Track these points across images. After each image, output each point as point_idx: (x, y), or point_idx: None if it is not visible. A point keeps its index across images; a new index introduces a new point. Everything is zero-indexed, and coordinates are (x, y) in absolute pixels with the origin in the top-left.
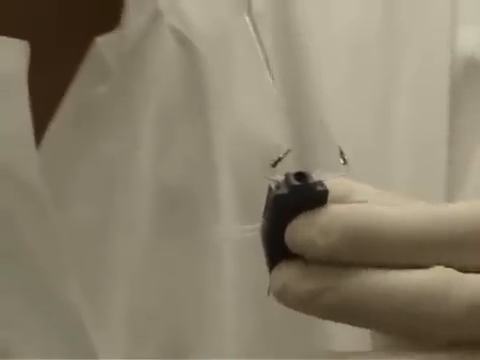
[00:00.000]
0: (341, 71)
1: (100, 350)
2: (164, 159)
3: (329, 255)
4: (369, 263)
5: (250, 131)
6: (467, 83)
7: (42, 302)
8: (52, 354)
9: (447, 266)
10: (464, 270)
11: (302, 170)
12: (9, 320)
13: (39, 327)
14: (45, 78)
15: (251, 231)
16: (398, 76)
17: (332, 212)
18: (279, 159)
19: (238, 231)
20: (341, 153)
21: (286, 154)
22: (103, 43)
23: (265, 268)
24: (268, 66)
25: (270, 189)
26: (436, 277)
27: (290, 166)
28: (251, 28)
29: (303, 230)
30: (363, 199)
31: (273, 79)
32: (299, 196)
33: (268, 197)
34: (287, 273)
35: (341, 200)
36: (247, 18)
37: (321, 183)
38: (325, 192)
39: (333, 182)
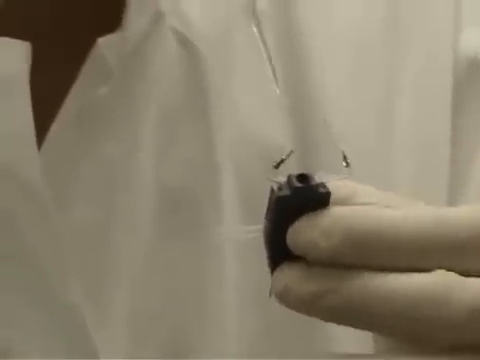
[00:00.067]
0: (343, 71)
1: (102, 350)
2: (166, 160)
3: (331, 257)
4: (371, 266)
5: (252, 131)
6: (470, 83)
7: (43, 302)
8: (53, 354)
9: (449, 270)
10: (466, 274)
11: (304, 172)
12: (10, 320)
13: (40, 327)
14: (47, 79)
15: (253, 232)
16: (401, 76)
17: (334, 214)
18: (282, 160)
19: (240, 232)
20: (344, 157)
21: (289, 156)
22: (105, 44)
23: (267, 269)
24: (273, 71)
25: (272, 191)
26: (438, 281)
27: (292, 166)
28: (256, 32)
29: (305, 232)
30: (366, 201)
31: (277, 82)
32: (301, 198)
33: (270, 199)
34: (289, 275)
35: (343, 202)
36: (255, 29)
37: (323, 185)
38: (327, 194)
39: (335, 184)
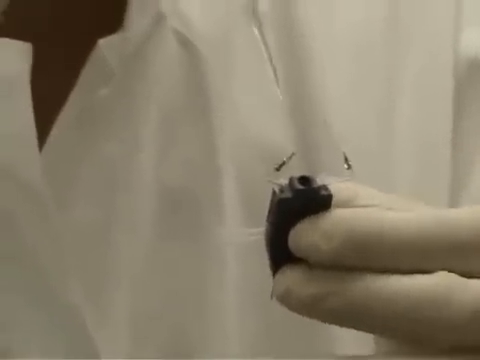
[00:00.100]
0: (344, 71)
1: (102, 350)
2: (166, 161)
3: (332, 259)
4: (372, 268)
5: (253, 133)
6: (471, 84)
7: (44, 303)
8: (53, 354)
9: (450, 271)
10: (467, 275)
11: (306, 174)
12: (11, 320)
13: (40, 327)
14: (48, 80)
15: (255, 235)
16: (401, 76)
17: (336, 216)
18: (283, 163)
19: (242, 234)
20: (345, 159)
21: (290, 158)
22: (105, 45)
23: (268, 270)
24: (274, 72)
25: (274, 193)
26: (439, 282)
27: (294, 167)
28: (257, 34)
29: (307, 234)
30: (368, 203)
31: (278, 83)
32: (303, 200)
33: (272, 201)
34: (291, 277)
35: (345, 204)
36: (256, 30)
37: (325, 187)
38: (329, 196)
39: (337, 186)
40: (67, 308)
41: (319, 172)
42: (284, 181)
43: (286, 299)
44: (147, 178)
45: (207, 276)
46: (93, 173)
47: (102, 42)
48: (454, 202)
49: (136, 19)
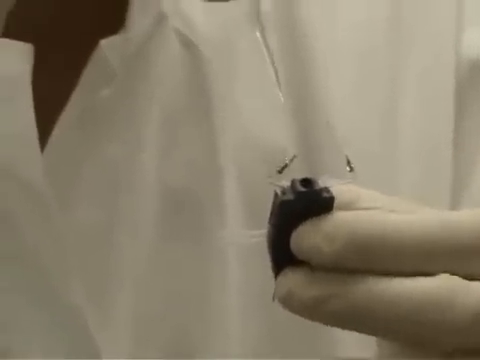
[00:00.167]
0: (347, 72)
1: (104, 351)
2: (168, 162)
3: (334, 262)
4: (375, 270)
5: (255, 134)
6: (473, 85)
7: (45, 303)
8: (55, 355)
9: (452, 274)
10: (469, 278)
11: (308, 176)
12: (12, 320)
13: (42, 328)
14: (49, 81)
15: (257, 237)
16: (404, 77)
17: (338, 219)
18: (285, 165)
19: (244, 236)
20: (348, 161)
21: (292, 160)
22: (107, 46)
23: (270, 272)
24: (276, 76)
25: (276, 195)
26: (442, 285)
27: (296, 169)
28: (260, 38)
29: (309, 237)
30: (370, 206)
31: (280, 87)
32: (305, 202)
33: (274, 203)
34: (293, 279)
35: (347, 207)
36: (258, 34)
37: (327, 190)
38: (331, 199)
39: (339, 188)
40: (69, 308)
41: (321, 173)
42: (286, 183)
43: (288, 301)
44: (149, 179)
45: (209, 277)
46: (95, 174)
47: (104, 42)
48: (456, 202)
49: (138, 19)
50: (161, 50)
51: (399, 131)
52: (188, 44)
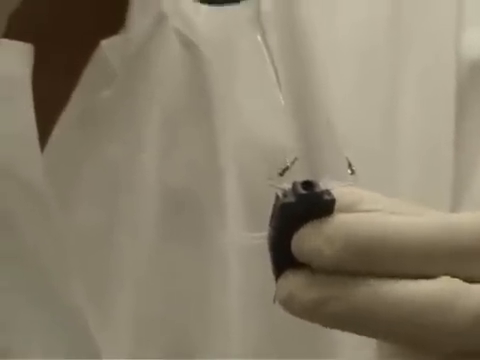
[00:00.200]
0: (347, 71)
1: (104, 352)
2: (169, 162)
3: (335, 264)
4: (375, 272)
5: (255, 134)
6: (473, 85)
7: (45, 303)
8: (55, 354)
9: (453, 276)
10: (470, 280)
11: (309, 179)
12: (12, 320)
13: (42, 328)
14: (49, 81)
15: (258, 239)
16: (404, 77)
17: (339, 221)
18: (287, 168)
19: (245, 238)
20: (349, 164)
21: (293, 163)
22: (108, 46)
23: (271, 272)
24: (277, 78)
25: (277, 197)
26: (443, 287)
27: (296, 168)
28: (261, 41)
29: (309, 239)
30: (371, 208)
31: (280, 88)
32: (306, 205)
33: (275, 205)
34: (293, 281)
35: (348, 209)
36: (259, 37)
37: (328, 192)
38: (332, 201)
39: (341, 191)
40: (69, 308)
41: (322, 173)
42: (287, 185)
43: (289, 304)
44: (149, 179)
45: (209, 278)
46: (95, 174)
47: (104, 43)
48: (456, 203)
49: (138, 20)
50: (161, 50)
51: (399, 131)
52: (188, 44)
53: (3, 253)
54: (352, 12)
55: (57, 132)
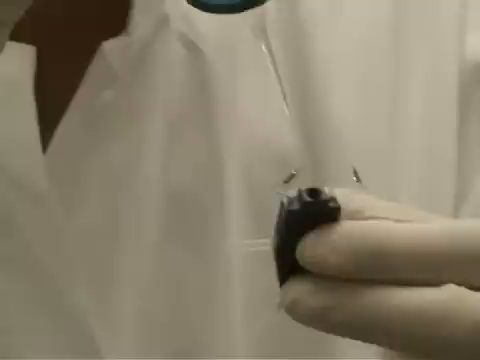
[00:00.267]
0: (351, 72)
1: (106, 352)
2: (171, 164)
3: (340, 272)
4: (380, 280)
5: (258, 136)
6: (476, 89)
7: (46, 304)
8: (55, 354)
9: (459, 284)
10: (476, 288)
11: (315, 186)
12: (14, 322)
13: (42, 328)
14: (51, 83)
15: (262, 245)
16: (408, 78)
17: (344, 229)
18: (292, 175)
19: (249, 246)
20: (355, 172)
21: (299, 170)
22: (109, 48)
23: (274, 274)
24: (280, 83)
25: (282, 204)
26: (449, 295)
27: (299, 169)
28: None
29: (314, 247)
30: (376, 215)
31: (284, 95)
32: (311, 212)
33: (280, 212)
34: (298, 289)
35: (354, 216)
36: (263, 46)
37: (334, 199)
38: (337, 209)
39: (346, 198)
40: (70, 309)
41: (325, 172)
42: (292, 193)
43: (293, 311)
44: (152, 180)
45: (213, 279)
46: (97, 176)
47: (106, 45)
48: (460, 205)
49: (140, 21)
50: (163, 52)
51: (403, 131)
52: (190, 46)
53: (3, 254)
54: (355, 13)
55: (60, 134)
